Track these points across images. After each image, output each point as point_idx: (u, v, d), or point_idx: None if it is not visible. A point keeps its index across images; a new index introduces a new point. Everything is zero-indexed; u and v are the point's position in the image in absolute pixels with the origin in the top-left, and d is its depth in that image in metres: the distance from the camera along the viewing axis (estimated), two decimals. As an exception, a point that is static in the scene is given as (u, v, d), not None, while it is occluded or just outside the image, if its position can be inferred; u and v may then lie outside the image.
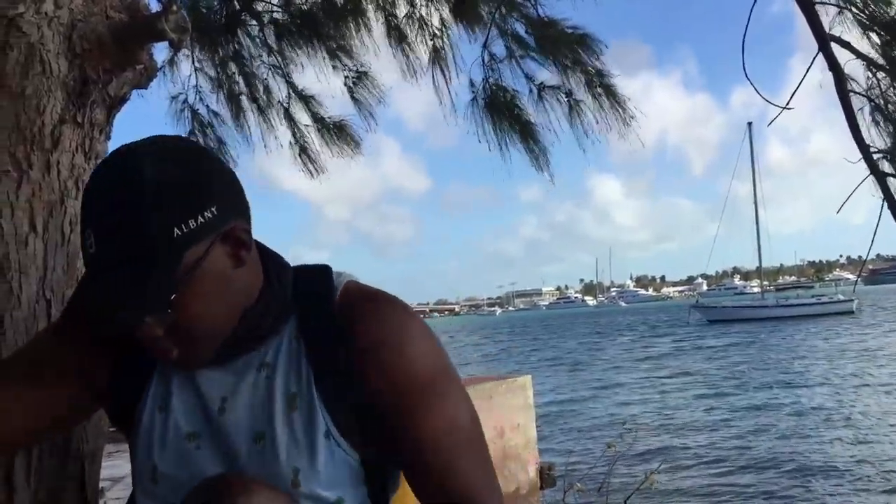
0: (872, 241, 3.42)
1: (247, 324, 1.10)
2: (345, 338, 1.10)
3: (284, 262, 1.20)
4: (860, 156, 3.34)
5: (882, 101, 3.59)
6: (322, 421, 1.09)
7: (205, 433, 1.13)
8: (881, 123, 3.57)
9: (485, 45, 4.31)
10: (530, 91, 4.19)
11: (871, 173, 3.33)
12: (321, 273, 1.19)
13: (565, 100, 4.08)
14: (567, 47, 3.96)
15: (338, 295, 1.15)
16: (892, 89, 3.59)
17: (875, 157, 3.35)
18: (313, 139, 4.83)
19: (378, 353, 1.09)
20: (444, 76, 4.42)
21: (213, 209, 1.03)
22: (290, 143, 4.87)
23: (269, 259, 1.17)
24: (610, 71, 4.02)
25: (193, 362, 1.11)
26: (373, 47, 4.52)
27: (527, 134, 4.21)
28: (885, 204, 3.29)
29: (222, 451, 1.11)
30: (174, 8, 1.49)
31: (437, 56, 4.42)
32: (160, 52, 4.53)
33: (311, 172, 4.92)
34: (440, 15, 4.39)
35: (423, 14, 4.40)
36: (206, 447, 1.13)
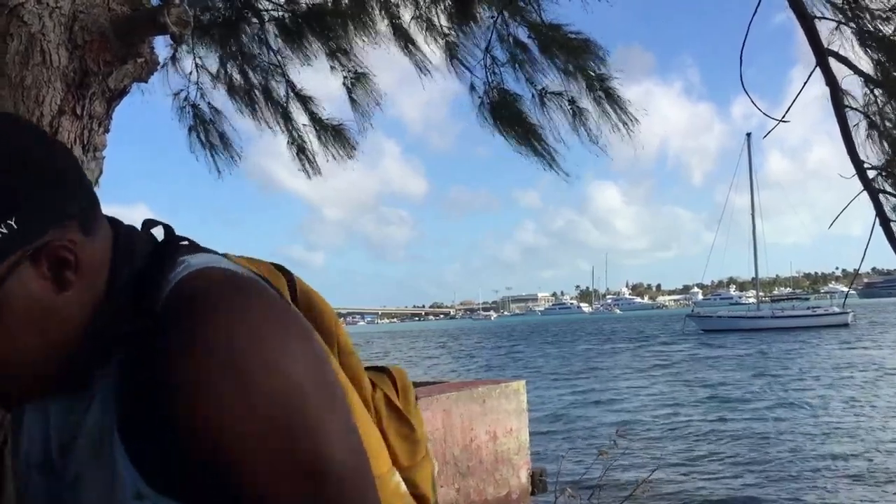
0: (864, 256, 3.46)
1: (77, 350, 0.88)
2: (154, 358, 0.81)
3: (135, 260, 0.91)
4: (854, 171, 3.37)
5: (878, 118, 3.59)
6: (128, 477, 0.83)
7: (45, 471, 0.96)
8: (876, 140, 3.57)
9: (486, 50, 4.32)
10: (532, 96, 4.20)
11: (864, 189, 3.35)
12: (161, 263, 0.89)
13: (568, 107, 4.09)
14: (569, 53, 3.97)
15: (165, 295, 0.86)
16: (888, 106, 3.60)
17: (869, 173, 3.37)
18: (311, 140, 4.86)
19: (195, 378, 0.78)
20: (447, 78, 4.46)
21: (10, 221, 0.79)
22: (288, 142, 4.90)
23: (121, 257, 0.90)
24: (611, 74, 4.02)
25: (17, 401, 0.94)
26: (373, 50, 4.55)
27: (533, 136, 4.22)
28: (878, 219, 3.31)
29: (56, 498, 0.94)
30: (176, 1, 1.49)
31: (443, 56, 4.45)
32: (162, 48, 4.54)
33: (307, 172, 4.94)
34: (443, 17, 4.40)
35: (428, 15, 4.41)
36: (41, 487, 0.96)
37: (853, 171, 3.36)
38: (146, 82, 1.66)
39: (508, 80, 4.30)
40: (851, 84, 3.52)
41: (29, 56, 1.43)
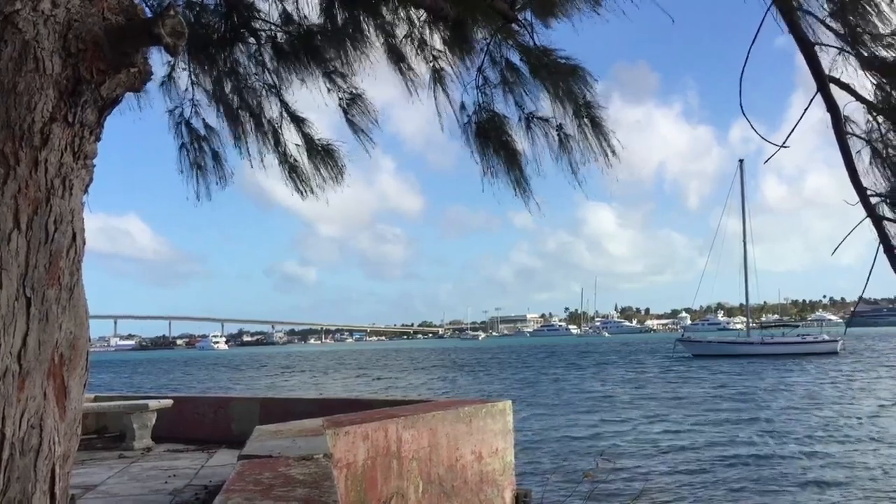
0: (867, 283, 3.40)
1: None
2: None
3: None
4: (857, 198, 3.33)
5: (881, 145, 3.55)
6: None
7: None
8: (879, 167, 3.53)
9: (479, 70, 4.34)
10: (519, 119, 4.24)
11: (867, 216, 3.32)
12: None
13: (554, 134, 4.13)
14: (559, 78, 4.00)
15: None
16: (891, 133, 3.55)
17: (872, 200, 3.34)
18: (304, 160, 4.84)
19: None
20: (438, 99, 4.47)
21: None
22: (280, 162, 4.87)
23: None
24: (598, 102, 4.06)
25: None
26: (370, 68, 4.57)
27: (512, 162, 4.26)
28: (881, 247, 3.28)
29: None
30: (171, 12, 1.50)
31: (433, 78, 4.46)
32: (160, 67, 4.55)
33: (301, 192, 4.90)
34: (438, 38, 4.43)
35: (422, 36, 4.44)
36: None
37: (855, 198, 3.32)
38: (139, 92, 1.67)
39: (498, 103, 4.33)
40: (853, 111, 3.48)
41: (22, 63, 1.43)
